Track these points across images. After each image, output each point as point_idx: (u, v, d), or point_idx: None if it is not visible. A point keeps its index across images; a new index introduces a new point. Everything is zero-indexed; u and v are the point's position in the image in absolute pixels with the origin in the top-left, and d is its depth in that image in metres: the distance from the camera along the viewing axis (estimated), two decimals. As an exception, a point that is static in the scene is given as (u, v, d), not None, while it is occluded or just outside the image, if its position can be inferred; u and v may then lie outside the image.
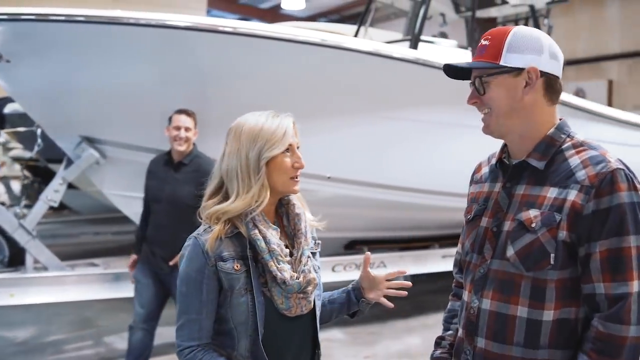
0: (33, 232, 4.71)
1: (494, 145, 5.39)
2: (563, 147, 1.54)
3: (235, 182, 1.60)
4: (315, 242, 1.76)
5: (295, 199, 1.74)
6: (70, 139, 4.74)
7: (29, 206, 5.39)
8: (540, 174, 1.53)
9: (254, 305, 1.57)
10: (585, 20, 12.02)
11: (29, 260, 4.79)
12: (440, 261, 6.19)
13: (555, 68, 1.55)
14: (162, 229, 3.84)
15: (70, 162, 4.84)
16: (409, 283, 1.83)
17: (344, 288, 1.88)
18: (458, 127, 5.48)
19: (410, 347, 5.15)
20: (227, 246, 1.59)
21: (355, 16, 16.79)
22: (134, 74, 4.40)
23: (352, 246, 6.25)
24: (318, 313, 1.73)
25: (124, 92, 4.40)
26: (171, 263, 3.76)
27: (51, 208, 5.03)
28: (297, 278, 1.61)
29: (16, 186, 8.86)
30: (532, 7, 6.93)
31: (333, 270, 5.25)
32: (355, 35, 6.79)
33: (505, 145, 1.65)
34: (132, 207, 4.75)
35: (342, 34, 5.64)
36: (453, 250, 6.33)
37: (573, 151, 1.52)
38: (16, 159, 8.21)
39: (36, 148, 5.25)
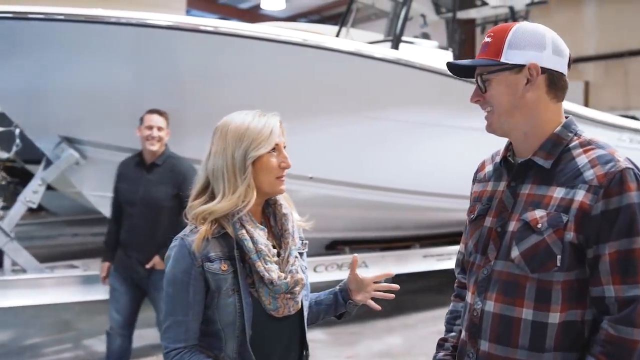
0: (11, 234, 4.63)
1: (476, 145, 5.40)
2: (570, 145, 1.50)
3: (221, 182, 1.58)
4: (302, 243, 1.75)
5: (282, 199, 1.73)
6: (49, 139, 4.67)
7: (5, 208, 5.31)
8: (546, 173, 1.50)
9: (241, 306, 1.56)
10: (562, 22, 12.14)
11: (7, 262, 4.71)
12: (421, 261, 6.23)
13: (559, 64, 1.51)
14: (138, 232, 3.77)
15: (49, 163, 4.77)
16: (396, 286, 1.81)
17: (331, 289, 1.86)
18: (439, 127, 5.53)
19: (392, 346, 5.16)
20: (214, 247, 1.57)
21: (335, 17, 16.80)
22: (114, 73, 4.35)
23: (334, 246, 6.25)
24: (306, 313, 1.72)
25: (104, 92, 4.35)
26: (148, 266, 3.73)
27: (29, 209, 4.95)
28: (285, 278, 1.59)
29: (-8, 188, 8.71)
30: (511, 8, 7.00)
31: (315, 270, 5.24)
32: (337, 36, 6.80)
33: (510, 143, 1.62)
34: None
35: (323, 35, 5.65)
36: (433, 250, 6.46)
37: (580, 150, 1.49)
38: (-7, 160, 8.08)
39: (14, 148, 5.18)
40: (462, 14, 7.22)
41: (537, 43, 1.49)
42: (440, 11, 7.29)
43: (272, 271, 1.57)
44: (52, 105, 4.46)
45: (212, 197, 1.61)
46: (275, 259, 1.62)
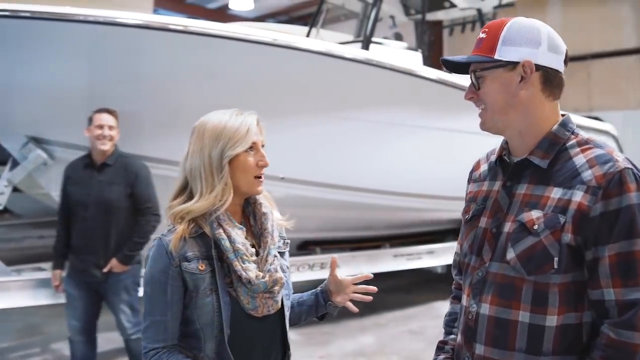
0: (-24, 236, 4.53)
1: (445, 145, 5.45)
2: (567, 144, 1.47)
3: (198, 181, 1.58)
4: (284, 242, 1.76)
5: (262, 198, 1.72)
6: (16, 140, 4.56)
7: (-31, 210, 5.18)
8: (543, 173, 1.46)
9: (219, 306, 1.55)
10: (527, 24, 12.37)
11: (-28, 266, 4.59)
12: (391, 261, 6.28)
13: (554, 61, 1.47)
14: (92, 235, 3.70)
15: (15, 164, 4.65)
16: (374, 288, 1.81)
17: (312, 290, 1.86)
18: (409, 128, 5.57)
19: (364, 346, 5.19)
20: (192, 246, 1.57)
21: (303, 18, 16.79)
22: (82, 72, 4.28)
23: (305, 247, 6.25)
24: (287, 313, 1.71)
25: (73, 91, 4.27)
26: (105, 270, 3.67)
27: (-6, 211, 4.84)
28: (263, 277, 1.59)
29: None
30: (479, 10, 7.11)
31: (285, 271, 5.22)
32: (307, 36, 6.81)
33: (505, 142, 1.58)
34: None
35: (294, 35, 5.65)
36: (403, 250, 6.51)
37: (578, 149, 1.45)
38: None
39: (-21, 149, 5.05)
40: (431, 16, 7.29)
41: (532, 39, 1.45)
42: (409, 13, 7.36)
43: (249, 270, 1.57)
44: (18, 104, 4.36)
45: (191, 197, 1.60)
46: (254, 258, 1.61)
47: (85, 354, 3.86)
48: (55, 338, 5.14)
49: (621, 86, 12.97)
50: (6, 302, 4.42)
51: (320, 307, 1.83)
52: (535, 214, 1.42)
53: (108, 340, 4.05)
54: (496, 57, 1.46)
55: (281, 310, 1.68)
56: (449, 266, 7.01)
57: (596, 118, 8.79)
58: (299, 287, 1.90)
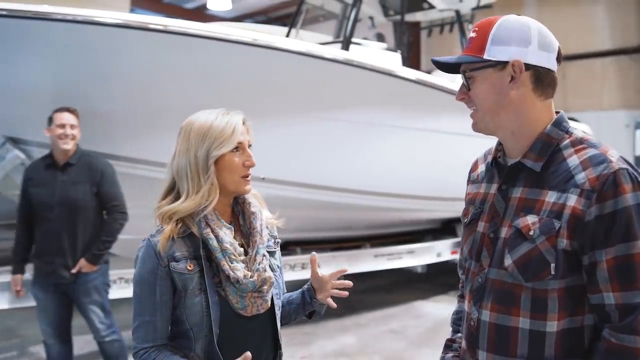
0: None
1: (424, 146, 5.47)
2: (561, 145, 1.44)
3: (185, 181, 1.58)
4: (275, 241, 1.76)
5: (251, 197, 1.73)
6: (-8, 140, 4.49)
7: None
8: (537, 176, 1.43)
9: (208, 306, 1.55)
10: (504, 26, 12.50)
11: (-56, 269, 4.50)
12: (372, 260, 6.30)
13: (545, 59, 1.43)
14: (59, 237, 3.64)
15: (-8, 164, 4.58)
16: (349, 282, 1.82)
17: (301, 289, 1.87)
18: (389, 128, 5.59)
19: (345, 346, 5.20)
20: (180, 246, 1.57)
21: (281, 18, 16.77)
22: (61, 71, 4.22)
23: (286, 247, 6.24)
24: (278, 312, 1.71)
25: (51, 90, 4.21)
26: (74, 270, 3.62)
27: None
28: (252, 277, 1.59)
29: None
30: (457, 12, 7.15)
31: (266, 271, 5.20)
32: (287, 37, 6.79)
33: (500, 143, 1.56)
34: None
35: (274, 35, 5.63)
36: (384, 250, 6.53)
37: (572, 150, 1.42)
38: None
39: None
40: (410, 17, 7.33)
41: (522, 38, 1.42)
42: (388, 14, 7.38)
43: (237, 270, 1.57)
44: (-5, 104, 4.29)
45: (178, 197, 1.60)
46: (242, 257, 1.61)
47: (61, 357, 3.82)
48: (31, 341, 5.07)
49: (596, 87, 13.18)
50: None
51: (307, 305, 1.83)
52: (530, 219, 1.40)
53: (86, 342, 3.99)
54: (485, 57, 1.43)
55: (271, 309, 1.68)
56: (429, 266, 7.07)
57: (572, 119, 8.90)
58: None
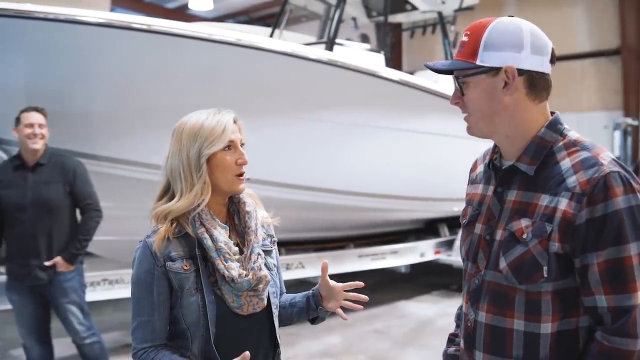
0: None
1: (408, 146, 5.48)
2: (554, 148, 1.43)
3: (178, 181, 1.60)
4: (271, 240, 1.77)
5: (247, 197, 1.74)
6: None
7: None
8: (531, 179, 1.43)
9: (204, 305, 1.56)
10: (484, 27, 12.62)
11: None
12: (356, 261, 6.32)
13: (539, 63, 1.41)
14: (33, 238, 3.58)
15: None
16: (365, 297, 1.78)
17: (305, 292, 1.86)
18: (372, 129, 5.61)
19: (330, 346, 5.20)
20: (176, 246, 1.58)
21: (263, 18, 16.73)
22: (43, 71, 4.16)
23: (270, 248, 6.21)
24: (275, 311, 1.72)
25: (32, 90, 4.15)
26: (48, 264, 3.58)
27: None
28: (247, 276, 1.60)
29: None
30: (440, 13, 7.20)
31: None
32: (271, 37, 6.77)
33: (496, 145, 1.56)
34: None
35: (258, 36, 5.62)
36: (368, 250, 6.54)
37: (565, 153, 1.41)
38: None
39: None
40: (392, 18, 7.34)
41: (514, 43, 1.40)
42: (371, 15, 7.40)
43: (232, 269, 1.58)
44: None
45: (173, 197, 1.61)
46: (237, 256, 1.62)
47: (43, 358, 3.76)
48: (12, 344, 5.00)
49: (575, 89, 13.32)
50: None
51: (311, 311, 1.82)
52: (524, 222, 1.41)
53: (68, 345, 3.95)
54: (478, 62, 1.42)
55: (268, 308, 1.69)
56: (412, 266, 7.10)
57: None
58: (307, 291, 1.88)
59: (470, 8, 7.44)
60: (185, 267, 1.57)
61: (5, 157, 4.36)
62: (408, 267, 7.12)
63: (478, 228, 1.54)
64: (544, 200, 1.39)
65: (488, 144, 1.64)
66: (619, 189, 1.32)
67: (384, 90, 5.50)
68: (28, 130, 3.57)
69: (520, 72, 1.40)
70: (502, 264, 1.43)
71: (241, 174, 1.64)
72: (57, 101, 4.18)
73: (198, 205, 1.58)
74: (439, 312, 6.27)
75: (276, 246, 1.82)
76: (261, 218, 1.75)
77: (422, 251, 7.07)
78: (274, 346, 1.73)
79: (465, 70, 1.45)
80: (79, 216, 3.84)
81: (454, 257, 7.19)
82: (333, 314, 1.82)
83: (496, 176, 1.54)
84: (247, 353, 1.52)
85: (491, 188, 1.54)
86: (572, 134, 1.46)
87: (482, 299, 1.49)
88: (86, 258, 5.24)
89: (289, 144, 5.22)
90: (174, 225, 1.59)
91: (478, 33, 1.43)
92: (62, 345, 4.39)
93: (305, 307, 1.83)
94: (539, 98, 1.45)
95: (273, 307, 1.71)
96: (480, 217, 1.55)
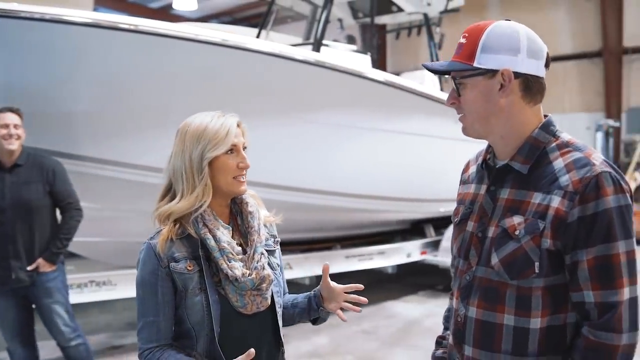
0: None
1: (394, 147, 5.48)
2: (547, 148, 1.47)
3: (180, 182, 1.61)
4: (275, 240, 1.79)
5: (249, 197, 1.75)
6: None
7: None
8: (524, 178, 1.47)
9: (208, 304, 1.58)
10: (468, 29, 12.74)
11: None
12: (344, 262, 6.33)
13: (534, 67, 1.46)
14: (13, 239, 3.54)
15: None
16: (364, 299, 1.79)
17: (307, 293, 1.87)
18: (360, 130, 5.61)
19: (318, 347, 5.20)
20: (179, 247, 1.59)
21: (247, 19, 16.72)
22: (26, 71, 4.12)
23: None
24: (279, 310, 1.73)
25: (15, 90, 4.11)
26: (31, 267, 3.54)
27: None
28: (250, 275, 1.61)
29: None
30: (425, 15, 7.23)
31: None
32: (257, 38, 6.76)
33: (490, 145, 1.60)
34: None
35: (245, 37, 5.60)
36: (355, 251, 6.56)
37: (557, 153, 1.46)
38: None
39: None
40: (378, 19, 7.36)
41: (511, 46, 1.44)
42: (357, 16, 7.42)
43: (235, 269, 1.59)
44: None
45: (174, 198, 1.63)
46: (240, 256, 1.63)
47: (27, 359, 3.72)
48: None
49: (558, 91, 13.49)
50: None
51: (312, 311, 1.83)
52: (516, 219, 1.45)
53: (53, 348, 3.91)
54: (475, 64, 1.45)
55: (272, 307, 1.71)
56: (399, 266, 7.13)
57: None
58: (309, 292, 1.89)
59: (455, 10, 7.49)
60: (188, 268, 1.58)
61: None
62: (395, 268, 7.16)
63: (470, 226, 1.58)
64: (537, 198, 1.43)
65: (476, 145, 1.68)
66: (610, 189, 1.36)
67: (371, 92, 5.51)
68: (3, 131, 3.53)
69: (517, 75, 1.44)
70: (494, 260, 1.46)
71: (241, 176, 1.66)
72: (42, 101, 4.14)
73: (200, 207, 1.60)
74: (426, 313, 6.29)
75: (279, 246, 1.84)
76: (263, 218, 1.77)
77: (409, 252, 7.11)
78: (278, 345, 1.75)
79: (462, 71, 1.48)
80: (59, 216, 3.80)
81: (440, 258, 7.23)
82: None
83: (489, 175, 1.58)
84: (252, 350, 1.53)
85: (484, 187, 1.58)
86: (565, 136, 1.51)
87: (473, 294, 1.52)
88: (73, 260, 5.23)
89: (276, 144, 5.21)
90: (177, 226, 1.61)
91: (476, 35, 1.46)
92: (47, 348, 4.35)
93: (306, 307, 1.83)
94: (534, 101, 1.49)
95: (277, 306, 1.73)
96: (472, 215, 1.58)
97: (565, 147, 1.47)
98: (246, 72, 4.72)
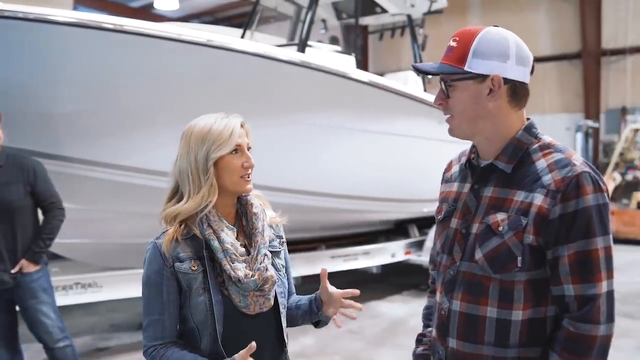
0: None
1: (379, 148, 5.49)
2: (530, 149, 1.54)
3: (187, 183, 1.64)
4: (280, 241, 1.82)
5: (254, 198, 1.78)
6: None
7: None
8: (507, 177, 1.53)
9: (211, 304, 1.60)
10: (449, 31, 12.80)
11: None
12: (329, 262, 6.34)
13: (521, 74, 1.52)
14: None
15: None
16: (360, 306, 1.79)
17: (310, 295, 1.88)
18: (344, 130, 5.63)
19: (305, 347, 5.21)
20: (184, 247, 1.62)
21: (228, 19, 16.67)
22: (8, 70, 4.07)
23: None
24: (283, 311, 1.75)
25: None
26: (14, 270, 3.50)
27: None
28: (253, 276, 1.64)
29: None
30: (409, 16, 7.27)
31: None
32: (242, 38, 6.74)
33: (474, 146, 1.65)
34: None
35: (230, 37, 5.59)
36: (340, 251, 6.57)
37: (540, 154, 1.52)
38: None
39: None
40: (361, 20, 7.37)
41: (501, 53, 1.49)
42: (341, 17, 7.43)
43: (238, 270, 1.62)
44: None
45: (181, 199, 1.66)
46: (244, 257, 1.66)
47: None
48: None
49: (537, 91, 13.65)
50: None
51: (313, 314, 1.84)
52: (500, 216, 1.50)
53: (37, 351, 3.87)
54: (466, 68, 1.50)
55: (275, 307, 1.73)
56: (384, 266, 7.15)
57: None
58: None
59: (439, 11, 7.55)
60: (193, 268, 1.61)
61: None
62: (379, 268, 7.18)
63: (454, 223, 1.63)
64: (520, 196, 1.49)
65: (459, 145, 1.74)
66: (589, 188, 1.43)
67: (356, 93, 5.53)
68: None
69: (505, 81, 1.50)
70: (478, 255, 1.52)
71: (247, 175, 1.68)
72: (24, 101, 4.10)
73: (205, 207, 1.63)
74: (410, 312, 6.34)
75: (285, 247, 1.86)
76: (269, 219, 1.79)
77: (393, 252, 7.15)
78: (282, 345, 1.76)
79: (453, 74, 1.53)
80: (41, 217, 3.76)
81: (424, 258, 7.28)
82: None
83: (473, 174, 1.63)
84: (253, 343, 1.55)
85: (467, 185, 1.64)
86: (546, 138, 1.57)
87: (457, 288, 1.58)
88: (57, 262, 5.17)
89: (260, 145, 5.18)
90: (182, 227, 1.64)
91: (467, 40, 1.51)
92: (31, 352, 4.30)
93: (308, 310, 1.85)
94: (519, 105, 1.56)
95: (280, 307, 1.74)
96: (456, 213, 1.64)
97: (547, 148, 1.53)
98: (231, 73, 4.71)
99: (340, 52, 6.85)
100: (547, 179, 1.46)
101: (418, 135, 6.23)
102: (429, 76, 1.72)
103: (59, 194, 3.77)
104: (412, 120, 6.14)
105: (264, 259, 1.68)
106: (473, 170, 1.64)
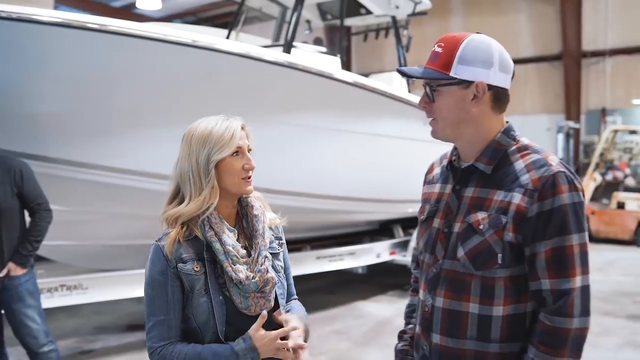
0: None
1: (364, 149, 5.49)
2: (509, 151, 1.60)
3: (188, 185, 1.66)
4: (279, 243, 1.83)
5: (254, 200, 1.80)
6: None
7: None
8: (487, 177, 1.59)
9: (213, 305, 1.62)
10: (432, 32, 12.88)
11: None
12: (314, 263, 6.35)
13: (504, 80, 1.58)
14: None
15: None
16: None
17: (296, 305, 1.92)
18: (330, 131, 5.64)
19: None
20: (187, 248, 1.64)
21: (211, 19, 16.60)
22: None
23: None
24: (283, 311, 1.76)
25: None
26: (1, 274, 3.47)
27: None
28: (254, 278, 1.66)
29: None
30: (394, 18, 7.29)
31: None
32: (227, 39, 6.71)
33: (455, 148, 1.71)
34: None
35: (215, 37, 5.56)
36: (326, 252, 6.58)
37: (518, 155, 1.59)
38: None
39: None
40: (346, 22, 7.39)
41: (486, 60, 1.55)
42: (326, 18, 7.44)
43: (239, 271, 1.64)
44: None
45: (183, 201, 1.67)
46: (245, 259, 1.68)
47: None
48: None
49: (519, 93, 13.78)
50: None
51: None
52: (480, 215, 1.56)
53: (22, 355, 3.82)
54: (452, 74, 1.55)
55: (275, 308, 1.75)
56: (369, 267, 7.18)
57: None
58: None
59: (423, 13, 7.57)
60: (195, 269, 1.63)
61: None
62: (365, 268, 7.20)
63: (436, 222, 1.68)
64: (499, 195, 1.55)
65: (443, 146, 1.78)
66: (565, 187, 1.49)
67: (341, 93, 5.54)
68: None
69: (489, 87, 1.57)
70: (460, 253, 1.58)
71: (248, 177, 1.70)
72: (7, 102, 4.06)
73: (207, 209, 1.64)
74: (396, 312, 6.36)
75: (285, 248, 1.88)
76: (269, 221, 1.81)
77: (378, 252, 7.17)
78: None
79: (438, 80, 1.58)
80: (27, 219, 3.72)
81: (409, 258, 7.31)
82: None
83: (454, 176, 1.69)
84: (265, 312, 1.61)
85: (449, 186, 1.69)
86: (524, 140, 1.64)
87: (440, 285, 1.63)
88: (43, 263, 5.12)
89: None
90: (184, 228, 1.65)
91: (453, 47, 1.56)
92: (15, 355, 4.25)
93: None
94: (500, 110, 1.63)
95: (281, 307, 1.77)
96: (438, 213, 1.69)
97: (524, 150, 1.60)
98: (217, 74, 4.70)
99: (326, 53, 6.86)
100: (525, 178, 1.52)
101: (403, 136, 6.26)
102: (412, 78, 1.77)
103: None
104: (397, 121, 6.17)
105: (264, 261, 1.70)
106: (454, 171, 1.69)
